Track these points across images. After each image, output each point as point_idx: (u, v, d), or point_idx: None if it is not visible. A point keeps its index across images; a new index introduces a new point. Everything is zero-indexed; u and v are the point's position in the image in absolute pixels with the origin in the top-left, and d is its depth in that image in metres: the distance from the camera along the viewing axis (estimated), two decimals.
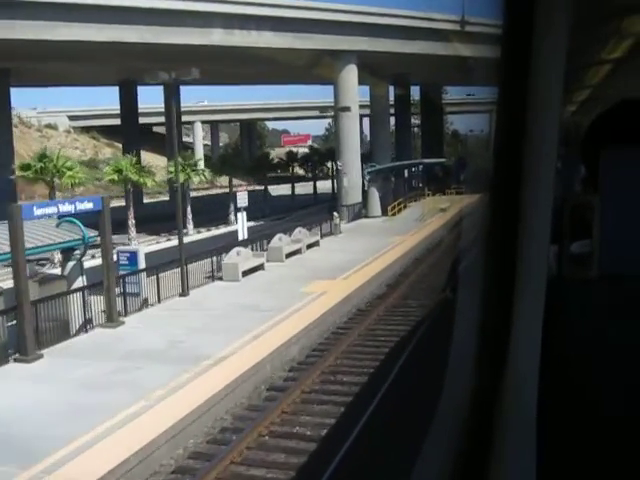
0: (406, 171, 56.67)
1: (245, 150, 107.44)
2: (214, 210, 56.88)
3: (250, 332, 16.07)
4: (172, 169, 43.56)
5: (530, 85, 1.28)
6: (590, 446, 1.48)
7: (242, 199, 27.19)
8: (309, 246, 29.75)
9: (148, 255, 23.18)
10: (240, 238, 26.45)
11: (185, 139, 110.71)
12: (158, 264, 21.85)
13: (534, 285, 1.33)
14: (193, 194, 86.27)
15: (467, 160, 76.82)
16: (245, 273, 23.52)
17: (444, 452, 1.31)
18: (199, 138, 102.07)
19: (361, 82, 59.45)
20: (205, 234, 42.57)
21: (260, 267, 24.66)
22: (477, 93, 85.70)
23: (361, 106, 74.32)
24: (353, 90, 45.94)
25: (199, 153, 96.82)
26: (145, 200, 65.85)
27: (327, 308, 18.68)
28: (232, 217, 49.70)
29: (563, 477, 1.46)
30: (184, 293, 21.00)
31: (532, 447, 1.25)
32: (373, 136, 58.79)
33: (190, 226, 43.50)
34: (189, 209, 43.68)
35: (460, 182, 60.98)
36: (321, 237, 33.20)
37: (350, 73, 45.81)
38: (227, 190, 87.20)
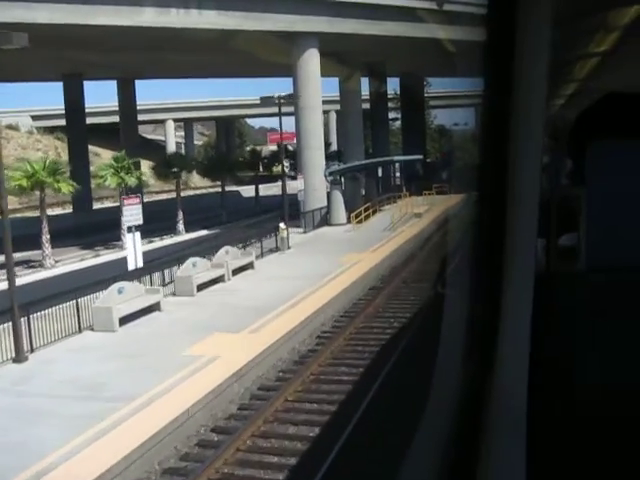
0: (380, 170, 49.97)
1: (222, 148, 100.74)
2: (168, 217, 50.42)
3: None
4: (103, 172, 36.99)
5: (514, 79, 1.28)
6: (578, 440, 1.47)
7: (132, 215, 20.14)
8: (240, 269, 23.04)
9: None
10: (131, 267, 19.62)
11: (157, 137, 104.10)
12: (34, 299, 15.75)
13: (522, 279, 1.34)
14: (164, 196, 79.91)
15: (452, 156, 70.29)
16: (128, 318, 16.79)
17: (432, 450, 1.29)
18: (171, 136, 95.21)
19: (331, 73, 52.91)
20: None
21: (154, 307, 17.92)
22: (461, 85, 79.38)
23: (335, 101, 68.47)
24: (314, 79, 39.09)
25: (172, 150, 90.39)
26: (97, 205, 59.04)
27: (213, 386, 12.01)
28: (181, 226, 42.96)
29: (552, 476, 1.45)
30: (19, 358, 14.26)
31: (521, 444, 1.24)
32: (343, 132, 52.03)
33: (125, 238, 36.62)
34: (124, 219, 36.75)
35: (443, 180, 54.41)
36: (262, 255, 26.48)
37: (310, 59, 38.95)
38: (203, 191, 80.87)
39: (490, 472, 1.22)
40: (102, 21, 33.29)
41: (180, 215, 42.32)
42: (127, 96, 58.76)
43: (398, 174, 55.40)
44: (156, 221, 47.67)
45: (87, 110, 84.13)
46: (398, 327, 16.44)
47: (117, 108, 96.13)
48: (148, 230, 44.08)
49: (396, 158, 40.07)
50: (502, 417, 1.27)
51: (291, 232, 32.62)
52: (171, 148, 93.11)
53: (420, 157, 46.42)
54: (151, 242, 39.87)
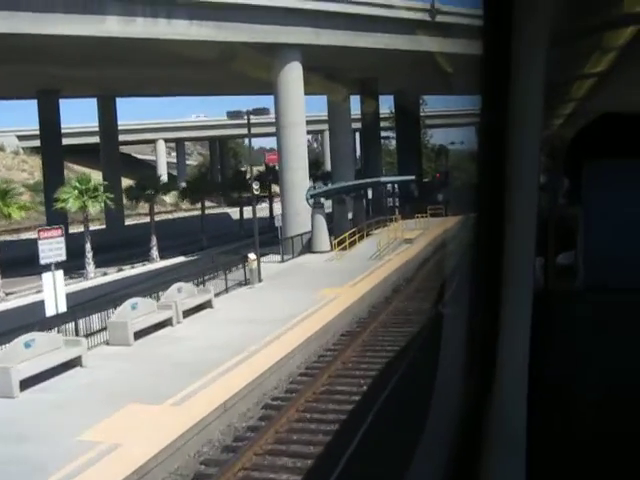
0: (371, 191, 46.76)
1: (215, 169, 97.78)
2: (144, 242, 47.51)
3: None
4: (65, 195, 33.72)
5: (510, 97, 1.28)
6: (578, 457, 1.48)
7: (51, 250, 16.57)
8: (196, 309, 19.68)
9: None
10: (50, 312, 16.19)
11: (148, 157, 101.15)
12: None
13: (520, 297, 1.34)
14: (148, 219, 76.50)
15: (448, 176, 66.99)
16: (34, 380, 13.40)
17: (433, 467, 1.29)
18: (162, 157, 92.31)
19: (318, 91, 49.87)
20: (100, 279, 32.33)
21: (75, 362, 14.52)
22: (457, 104, 76.27)
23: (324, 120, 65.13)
24: (296, 94, 35.96)
25: (162, 172, 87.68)
26: (74, 229, 55.66)
27: None
28: (155, 252, 39.63)
29: None
30: None
31: (521, 461, 1.24)
32: (332, 152, 48.84)
33: (90, 267, 33.30)
34: (88, 246, 33.39)
35: (439, 202, 51.14)
36: (227, 290, 23.12)
37: (292, 73, 35.84)
38: (196, 213, 77.45)
39: None
40: (63, 30, 30.23)
41: (154, 241, 39.03)
42: (107, 114, 55.57)
43: (391, 196, 52.06)
44: (136, 246, 44.55)
45: (72, 130, 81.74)
46: (369, 390, 13.03)
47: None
48: (120, 257, 41.01)
49: (384, 179, 36.56)
50: (501, 434, 1.27)
51: (268, 261, 29.39)
52: (162, 169, 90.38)
53: (412, 178, 43.13)
54: (121, 270, 36.63)
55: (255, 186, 26.85)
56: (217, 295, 22.32)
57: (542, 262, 1.87)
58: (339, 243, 30.84)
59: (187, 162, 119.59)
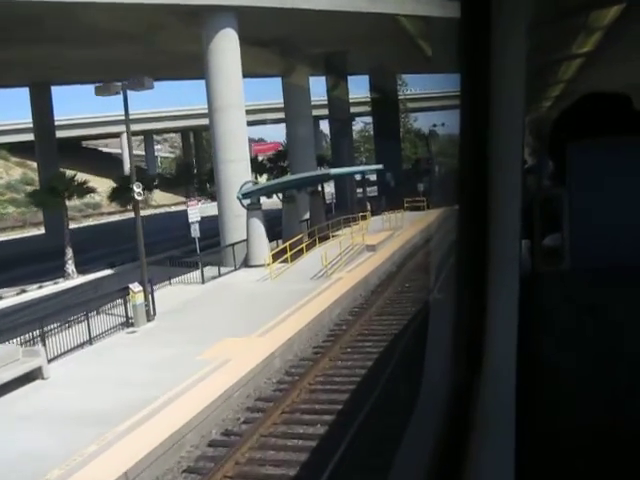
0: (333, 184, 39.52)
1: (190, 162, 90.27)
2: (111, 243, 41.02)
3: None
4: None
5: (493, 78, 1.25)
6: (566, 439, 1.47)
7: None
8: (14, 383, 12.49)
9: None
10: None
11: (116, 151, 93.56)
12: None
13: (507, 281, 1.32)
14: (119, 217, 69.34)
15: (430, 163, 59.47)
16: None
17: (420, 451, 1.27)
18: (126, 151, 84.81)
19: (274, 71, 42.54)
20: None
21: None
22: (438, 85, 68.93)
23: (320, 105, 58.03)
24: (232, 69, 28.59)
25: (128, 167, 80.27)
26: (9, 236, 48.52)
27: None
28: (71, 267, 32.27)
29: (540, 475, 1.44)
30: None
31: (510, 444, 1.22)
32: (289, 142, 41.60)
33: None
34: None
35: (419, 193, 43.83)
36: (90, 341, 15.82)
37: (224, 43, 28.45)
38: (170, 210, 70.11)
39: (478, 472, 1.20)
40: None
41: (69, 253, 31.64)
42: (41, 105, 48.02)
43: (362, 188, 44.78)
44: (86, 252, 37.90)
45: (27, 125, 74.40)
46: None
47: (65, 122, 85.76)
48: (37, 272, 33.93)
49: (335, 171, 28.71)
50: (490, 416, 1.26)
51: (189, 282, 22.27)
52: (127, 163, 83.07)
53: (379, 167, 35.89)
54: (23, 292, 29.43)
55: (137, 188, 19.36)
56: (74, 349, 15.15)
57: (528, 244, 1.77)
58: (274, 256, 23.53)
59: (163, 155, 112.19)
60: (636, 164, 1.69)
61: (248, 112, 45.97)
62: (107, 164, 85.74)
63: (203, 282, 22.53)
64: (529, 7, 1.29)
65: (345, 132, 46.11)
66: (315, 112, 56.66)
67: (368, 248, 26.16)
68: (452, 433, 1.28)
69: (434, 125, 61.03)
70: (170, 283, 22.98)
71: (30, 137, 56.87)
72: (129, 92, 20.35)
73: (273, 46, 37.31)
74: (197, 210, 24.46)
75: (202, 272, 22.55)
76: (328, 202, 43.17)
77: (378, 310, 17.76)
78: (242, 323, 15.99)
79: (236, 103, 28.67)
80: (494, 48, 1.23)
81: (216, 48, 28.17)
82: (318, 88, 48.00)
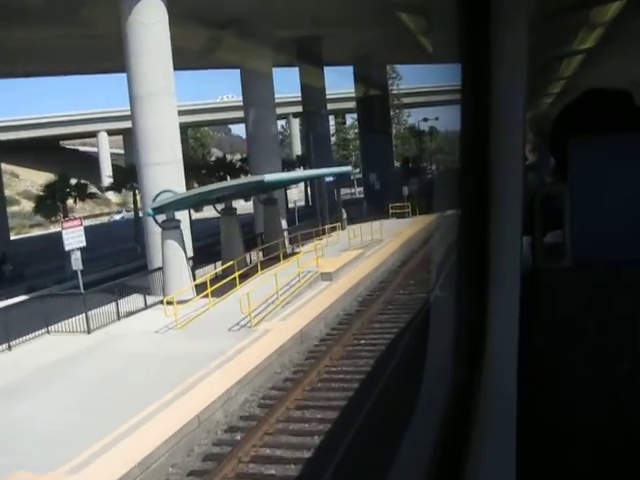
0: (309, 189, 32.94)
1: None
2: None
3: None
4: None
5: (494, 75, 1.24)
6: (568, 435, 1.44)
7: None
8: None
9: None
10: None
11: (92, 149, 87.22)
12: None
13: (508, 278, 1.31)
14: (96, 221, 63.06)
15: (420, 162, 52.72)
16: None
17: (422, 449, 1.25)
18: (104, 150, 78.68)
19: (234, 60, 36.05)
20: None
21: None
22: (434, 78, 62.31)
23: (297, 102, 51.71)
24: (158, 47, 22.16)
25: (105, 168, 74.63)
26: None
27: None
28: None
29: (542, 472, 1.42)
30: None
31: (511, 440, 1.21)
32: (249, 142, 35.20)
33: None
34: None
35: (406, 197, 37.36)
36: None
37: (147, 15, 22.01)
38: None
39: (480, 469, 1.18)
40: None
41: None
42: None
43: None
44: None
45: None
46: None
47: (41, 120, 79.17)
48: None
49: (270, 177, 21.50)
50: (491, 414, 1.24)
51: (71, 332, 15.97)
52: (105, 164, 76.94)
53: (347, 169, 29.61)
54: None
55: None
56: None
57: (530, 241, 1.76)
58: (218, 280, 17.08)
59: None
60: (638, 160, 1.64)
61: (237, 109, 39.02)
62: (88, 165, 79.32)
63: (89, 331, 16.10)
64: (530, 4, 1.27)
65: (319, 129, 39.48)
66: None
67: (323, 276, 19.70)
68: (453, 430, 1.26)
69: (425, 119, 54.42)
70: (48, 331, 16.55)
71: None
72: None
73: (231, 28, 31.00)
74: (80, 232, 17.89)
75: (87, 318, 16.09)
76: (299, 209, 36.78)
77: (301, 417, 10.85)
78: (63, 439, 9.48)
79: (164, 90, 22.22)
80: (495, 44, 1.22)
81: (136, 21, 21.71)
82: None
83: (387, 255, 24.01)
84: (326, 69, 42.55)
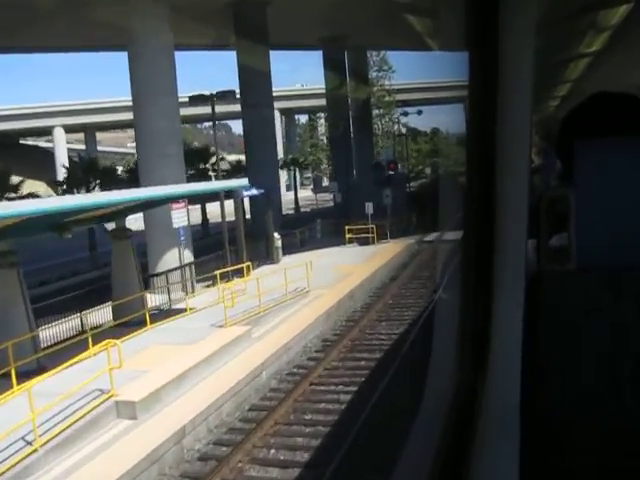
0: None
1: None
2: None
3: None
4: None
5: (500, 80, 1.21)
6: (572, 439, 1.39)
7: None
8: None
9: None
10: None
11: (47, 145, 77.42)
12: None
13: (513, 280, 1.28)
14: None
15: (396, 168, 41.58)
16: None
17: (426, 449, 1.22)
18: (61, 147, 69.01)
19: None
20: None
21: None
22: (428, 70, 52.24)
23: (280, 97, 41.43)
24: None
25: (60, 165, 64.03)
26: None
27: None
28: None
29: (545, 472, 1.36)
30: None
31: (514, 441, 1.18)
32: (138, 143, 25.40)
33: None
34: None
35: (370, 215, 27.20)
36: None
37: None
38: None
39: (483, 471, 1.15)
40: None
41: None
42: None
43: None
44: None
45: None
46: None
47: None
48: None
49: (144, 193, 11.04)
50: (495, 416, 1.21)
51: None
52: (62, 160, 66.63)
53: (237, 185, 19.84)
54: None
55: None
56: None
57: (535, 244, 1.71)
58: None
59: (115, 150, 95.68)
60: None
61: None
62: (43, 163, 69.23)
63: None
64: (537, 8, 1.24)
65: (262, 125, 29.35)
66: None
67: (121, 410, 9.72)
68: (457, 432, 1.23)
69: (404, 113, 44.17)
70: None
71: None
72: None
73: None
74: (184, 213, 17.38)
75: None
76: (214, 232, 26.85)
77: None
78: None
79: None
80: (502, 47, 1.19)
81: None
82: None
83: (296, 335, 13.93)
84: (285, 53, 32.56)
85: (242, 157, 42.87)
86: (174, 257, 20.32)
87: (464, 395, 1.26)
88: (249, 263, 19.09)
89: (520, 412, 1.22)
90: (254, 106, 28.89)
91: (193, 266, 20.30)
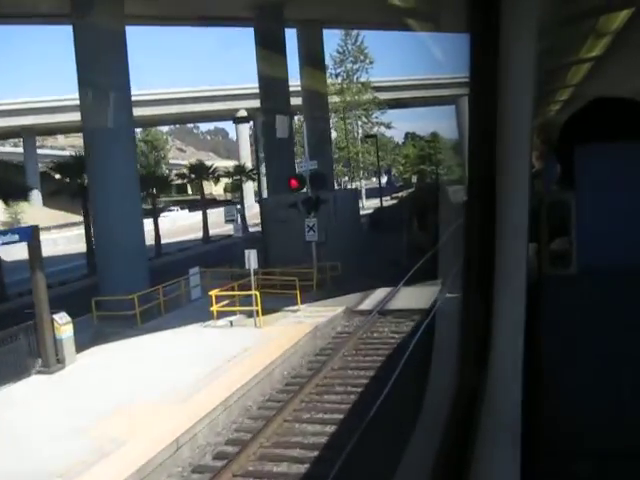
0: None
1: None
2: None
3: None
4: None
5: (501, 84, 1.18)
6: (573, 441, 1.36)
7: None
8: None
9: None
10: None
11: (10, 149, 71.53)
12: None
13: (514, 284, 1.27)
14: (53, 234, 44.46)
15: (324, 180, 24.94)
16: None
17: (428, 451, 1.18)
18: None
19: None
20: None
21: None
22: (422, 65, 48.30)
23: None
24: None
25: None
26: None
27: None
28: None
29: (547, 474, 1.32)
30: None
31: (516, 443, 1.15)
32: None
33: None
34: None
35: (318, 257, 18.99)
36: None
37: None
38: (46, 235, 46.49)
39: (484, 472, 1.12)
40: None
41: None
42: None
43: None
44: None
45: None
46: None
47: None
48: None
49: None
50: (496, 418, 1.18)
51: None
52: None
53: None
54: None
55: None
56: None
57: (536, 248, 1.66)
58: None
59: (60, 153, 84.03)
60: None
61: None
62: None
63: None
64: (538, 12, 1.22)
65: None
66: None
67: None
68: (459, 433, 1.19)
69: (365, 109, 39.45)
70: None
71: None
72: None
73: None
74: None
75: None
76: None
77: None
78: None
79: None
80: (502, 52, 1.16)
81: None
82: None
83: None
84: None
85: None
86: None
87: (466, 397, 1.22)
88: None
89: (522, 414, 1.18)
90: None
91: None
